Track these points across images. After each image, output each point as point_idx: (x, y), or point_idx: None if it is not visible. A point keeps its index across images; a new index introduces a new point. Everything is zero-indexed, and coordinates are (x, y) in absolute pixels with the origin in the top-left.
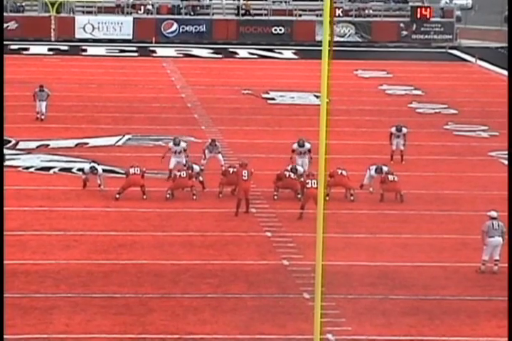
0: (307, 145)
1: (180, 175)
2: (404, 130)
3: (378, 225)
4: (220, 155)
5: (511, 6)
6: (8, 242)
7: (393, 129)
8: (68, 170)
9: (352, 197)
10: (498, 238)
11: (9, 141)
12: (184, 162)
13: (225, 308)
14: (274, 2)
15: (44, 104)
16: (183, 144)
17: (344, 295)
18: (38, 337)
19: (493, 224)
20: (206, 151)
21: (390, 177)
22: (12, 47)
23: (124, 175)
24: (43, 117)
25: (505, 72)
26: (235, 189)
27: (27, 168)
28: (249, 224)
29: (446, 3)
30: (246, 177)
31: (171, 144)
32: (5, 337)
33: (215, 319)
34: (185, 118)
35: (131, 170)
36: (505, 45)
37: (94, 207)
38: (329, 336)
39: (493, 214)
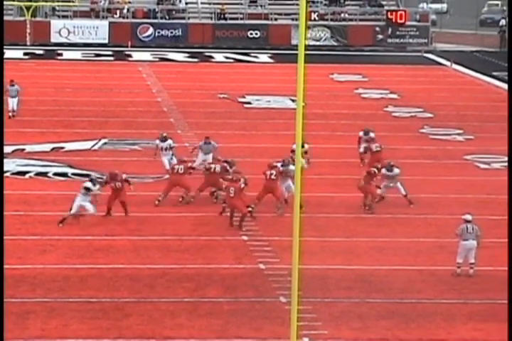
0: (305, 146)
1: (177, 170)
2: (371, 134)
3: (355, 229)
4: (210, 156)
5: (511, 8)
6: None
7: (361, 133)
8: (44, 174)
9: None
10: (472, 241)
11: None
12: (175, 160)
13: (201, 312)
14: (249, 6)
15: (16, 100)
16: (169, 140)
17: (320, 298)
18: None
19: (467, 227)
20: (200, 154)
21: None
22: None
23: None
24: (14, 114)
25: (481, 76)
26: (214, 192)
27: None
28: (225, 228)
29: (422, 8)
30: (232, 195)
31: (157, 141)
32: None
33: (191, 323)
34: (161, 122)
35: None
36: (480, 48)
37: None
38: (306, 340)
39: (468, 217)
